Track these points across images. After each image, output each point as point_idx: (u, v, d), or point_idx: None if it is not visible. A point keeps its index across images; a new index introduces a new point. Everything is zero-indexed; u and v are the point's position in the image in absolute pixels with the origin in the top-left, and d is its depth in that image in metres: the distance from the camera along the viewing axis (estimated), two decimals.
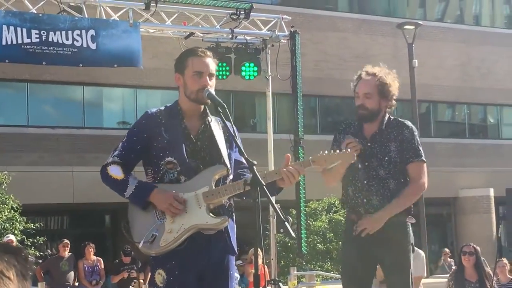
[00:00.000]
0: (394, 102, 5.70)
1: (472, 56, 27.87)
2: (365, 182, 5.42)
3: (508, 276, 11.63)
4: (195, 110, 4.48)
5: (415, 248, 9.87)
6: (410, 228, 5.63)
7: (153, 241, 4.25)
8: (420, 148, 5.64)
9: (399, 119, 5.74)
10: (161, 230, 4.26)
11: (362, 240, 5.39)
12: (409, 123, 5.67)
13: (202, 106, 4.48)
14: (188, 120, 4.46)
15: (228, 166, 4.42)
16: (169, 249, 4.24)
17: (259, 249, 4.20)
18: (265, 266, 9.70)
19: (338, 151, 4.76)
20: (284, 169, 4.37)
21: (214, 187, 4.35)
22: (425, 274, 10.03)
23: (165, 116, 4.42)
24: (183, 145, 4.35)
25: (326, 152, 4.68)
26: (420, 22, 20.66)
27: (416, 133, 5.62)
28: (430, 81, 24.19)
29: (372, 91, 5.53)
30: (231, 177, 4.48)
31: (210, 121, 4.49)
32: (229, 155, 4.48)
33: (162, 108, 4.53)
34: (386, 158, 5.45)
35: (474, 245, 10.05)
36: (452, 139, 28.71)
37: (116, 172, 4.27)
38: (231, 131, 4.38)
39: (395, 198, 5.39)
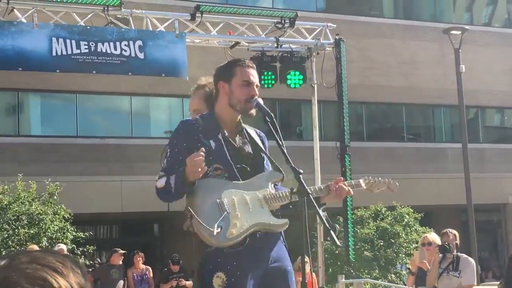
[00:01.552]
0: None
1: None
2: None
3: None
4: (234, 119, 4.50)
5: (465, 256, 9.82)
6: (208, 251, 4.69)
7: (220, 232, 4.17)
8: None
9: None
10: (227, 223, 4.23)
11: None
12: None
13: (239, 116, 4.53)
14: (226, 128, 4.50)
15: (282, 173, 4.46)
16: (234, 243, 4.23)
17: (306, 257, 4.22)
18: (313, 274, 9.70)
19: (386, 180, 4.79)
20: (336, 185, 4.43)
21: (272, 191, 4.39)
22: (475, 283, 9.89)
23: (201, 124, 4.44)
24: (226, 150, 4.39)
25: (376, 179, 4.77)
26: (466, 27, 20.46)
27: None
28: (477, 86, 23.94)
29: None
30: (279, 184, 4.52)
31: (245, 129, 4.55)
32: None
33: (198, 117, 4.54)
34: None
35: None
36: (501, 144, 28.38)
37: (160, 183, 4.27)
38: (264, 140, 4.55)
39: None
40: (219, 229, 4.13)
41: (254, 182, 4.39)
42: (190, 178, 4.16)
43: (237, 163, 4.39)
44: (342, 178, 4.66)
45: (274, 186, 4.43)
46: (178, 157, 4.32)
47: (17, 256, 1.25)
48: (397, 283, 17.55)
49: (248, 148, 4.50)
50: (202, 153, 4.08)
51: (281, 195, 4.38)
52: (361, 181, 4.66)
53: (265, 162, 4.46)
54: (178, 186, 4.20)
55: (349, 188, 4.54)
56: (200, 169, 4.09)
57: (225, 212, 4.23)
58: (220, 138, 4.39)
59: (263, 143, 4.55)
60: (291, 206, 4.37)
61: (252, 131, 4.54)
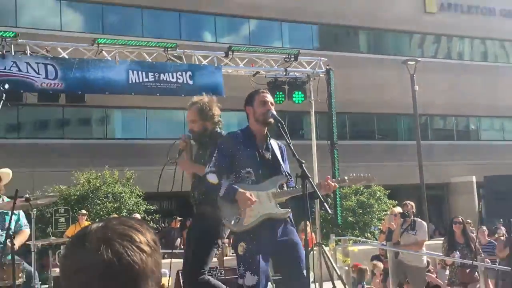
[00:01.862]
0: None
1: (455, 82, 27.59)
2: None
3: (487, 238, 11.41)
4: (262, 132, 4.54)
5: (420, 220, 9.85)
6: (218, 222, 4.65)
7: (238, 222, 4.30)
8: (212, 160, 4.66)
9: (219, 131, 5.10)
10: (244, 213, 4.29)
11: None
12: (225, 133, 4.96)
13: (266, 129, 4.54)
14: (257, 140, 4.53)
15: (288, 177, 4.51)
16: (249, 228, 4.31)
17: (308, 222, 4.25)
18: (312, 233, 9.70)
19: (366, 175, 4.82)
20: (326, 182, 4.46)
21: (278, 190, 4.42)
22: (427, 238, 9.87)
23: (242, 137, 4.51)
24: (257, 156, 4.44)
25: (357, 175, 4.78)
26: (419, 59, 20.44)
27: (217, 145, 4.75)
28: (426, 100, 23.88)
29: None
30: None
31: (269, 140, 4.56)
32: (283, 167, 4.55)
33: (239, 131, 4.58)
34: (202, 160, 5.07)
35: (462, 217, 9.92)
36: (444, 141, 28.45)
37: (213, 178, 4.32)
38: (283, 150, 4.56)
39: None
40: (237, 220, 4.25)
41: (267, 184, 4.43)
42: (236, 198, 4.24)
43: (261, 168, 4.44)
44: (329, 176, 4.65)
45: (286, 184, 4.47)
46: (224, 159, 4.41)
47: (110, 220, 1.27)
48: (371, 240, 17.53)
49: (269, 156, 4.53)
50: (254, 201, 4.22)
51: (285, 191, 4.45)
52: (345, 177, 4.73)
53: (282, 167, 4.50)
54: (226, 197, 4.30)
55: (335, 183, 4.58)
56: (246, 207, 4.23)
57: (244, 208, 4.30)
58: (254, 147, 4.46)
59: (282, 152, 4.60)
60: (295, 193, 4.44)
61: (274, 143, 4.58)
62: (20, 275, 5.20)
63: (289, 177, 4.54)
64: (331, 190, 4.58)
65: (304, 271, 4.33)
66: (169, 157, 5.02)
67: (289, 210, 4.44)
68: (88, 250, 1.18)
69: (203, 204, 4.84)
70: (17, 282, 5.01)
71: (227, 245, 10.19)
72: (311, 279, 4.41)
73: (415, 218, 9.67)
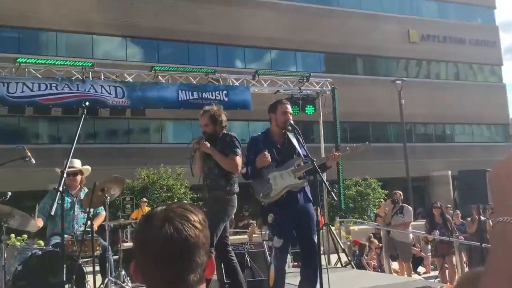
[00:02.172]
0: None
1: (434, 96, 27.23)
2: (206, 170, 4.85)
3: (460, 220, 11.20)
4: (280, 133, 4.56)
5: (406, 205, 9.74)
6: (227, 204, 4.70)
7: (267, 195, 4.34)
8: (235, 148, 4.66)
9: (227, 132, 4.88)
10: (270, 188, 4.34)
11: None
12: (231, 133, 4.85)
13: (283, 130, 4.55)
14: (274, 137, 4.54)
15: (302, 158, 4.48)
16: (275, 199, 4.33)
17: (318, 207, 4.26)
18: (322, 216, 9.65)
19: (365, 144, 4.79)
20: (332, 154, 4.52)
21: (296, 167, 4.43)
22: (412, 220, 9.73)
23: (262, 138, 4.55)
24: (274, 150, 4.45)
25: (357, 145, 4.80)
26: (404, 78, 20.24)
27: (235, 139, 4.73)
28: (411, 111, 23.63)
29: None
30: (303, 162, 4.51)
31: (287, 136, 4.56)
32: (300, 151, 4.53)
33: (260, 133, 4.66)
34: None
35: (440, 203, 9.76)
36: (424, 143, 28.15)
37: (244, 170, 4.47)
38: (300, 140, 4.50)
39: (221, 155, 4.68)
40: (266, 193, 4.26)
41: (287, 165, 4.46)
42: (258, 166, 4.33)
43: (279, 157, 4.46)
44: (334, 149, 4.66)
45: (301, 163, 4.47)
46: (251, 156, 4.47)
47: (171, 204, 1.29)
48: (368, 221, 17.36)
49: (286, 147, 4.54)
50: (268, 155, 4.31)
51: (301, 167, 4.45)
52: (347, 148, 4.72)
53: (296, 152, 4.50)
54: (252, 172, 4.38)
55: (339, 153, 4.59)
56: (266, 162, 4.30)
57: (269, 184, 4.36)
58: (271, 143, 4.48)
59: (298, 139, 4.55)
60: (308, 177, 4.42)
61: (292, 136, 4.58)
62: (97, 248, 5.26)
63: (303, 157, 4.50)
64: (337, 159, 4.64)
65: (314, 237, 4.33)
66: (187, 155, 4.94)
67: (305, 180, 4.44)
68: (154, 227, 1.20)
69: (214, 190, 4.74)
70: (95, 254, 5.08)
71: (255, 224, 10.17)
72: (321, 251, 4.36)
73: (403, 204, 9.54)
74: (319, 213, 4.83)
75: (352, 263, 8.88)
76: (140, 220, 1.27)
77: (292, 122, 4.48)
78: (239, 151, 4.69)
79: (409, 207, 9.80)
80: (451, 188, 25.88)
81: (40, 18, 21.15)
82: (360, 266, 9.99)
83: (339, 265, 8.89)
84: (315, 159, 4.26)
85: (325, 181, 4.38)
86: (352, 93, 24.02)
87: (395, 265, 9.70)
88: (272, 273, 4.24)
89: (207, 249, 1.24)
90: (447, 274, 8.95)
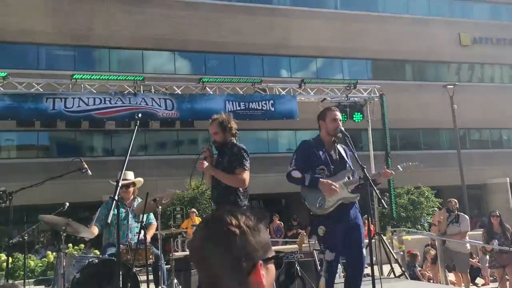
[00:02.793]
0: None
1: (488, 101, 26.23)
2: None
3: None
4: (330, 140, 4.50)
5: (462, 214, 9.36)
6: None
7: (320, 206, 4.27)
8: (244, 160, 4.55)
9: (235, 142, 4.74)
10: (324, 201, 4.28)
11: None
12: (240, 144, 4.69)
13: (333, 138, 4.49)
14: (326, 146, 4.49)
15: (353, 171, 4.45)
16: (328, 212, 4.26)
17: (369, 216, 4.18)
18: (372, 225, 9.44)
19: (415, 163, 4.69)
20: (383, 171, 4.38)
21: (347, 180, 4.38)
22: (469, 229, 9.35)
23: (314, 144, 4.49)
24: (328, 158, 4.40)
25: (408, 164, 4.72)
26: (456, 83, 19.63)
27: (243, 151, 4.60)
28: (464, 116, 22.83)
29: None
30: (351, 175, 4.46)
31: (337, 145, 4.51)
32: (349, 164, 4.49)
33: (312, 139, 4.57)
34: (221, 166, 4.65)
35: (498, 211, 9.33)
36: (480, 149, 27.08)
37: (296, 174, 4.33)
38: (347, 151, 4.46)
39: (225, 173, 4.55)
40: (320, 205, 4.19)
41: (339, 176, 4.39)
42: (319, 186, 4.25)
43: (331, 165, 4.38)
44: (384, 166, 4.56)
45: (352, 175, 4.40)
46: (303, 159, 4.41)
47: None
48: (421, 231, 16.82)
49: (337, 157, 4.47)
50: (336, 188, 4.21)
51: (353, 181, 4.37)
52: (399, 166, 4.60)
53: (347, 165, 4.43)
54: (311, 184, 4.28)
55: (391, 171, 4.50)
56: (330, 192, 4.20)
57: (322, 195, 4.29)
58: (324, 151, 4.42)
59: (346, 153, 4.53)
60: (360, 186, 4.34)
61: (340, 147, 4.53)
62: (150, 256, 5.38)
63: (353, 170, 4.46)
64: (388, 176, 4.51)
65: (364, 250, 4.27)
66: (196, 163, 4.75)
67: (358, 194, 4.36)
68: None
69: (221, 203, 4.54)
70: (148, 262, 5.20)
71: (304, 234, 10.08)
72: (373, 262, 4.27)
73: (459, 213, 9.19)
74: (369, 223, 4.73)
75: (406, 273, 8.62)
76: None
77: (342, 129, 4.43)
78: (247, 164, 4.53)
79: (465, 216, 9.42)
80: (510, 196, 24.68)
81: (93, 36, 22.10)
82: (414, 277, 9.67)
83: (392, 275, 8.65)
84: (365, 167, 4.19)
85: (375, 189, 4.29)
86: (401, 99, 23.52)
87: (451, 276, 9.33)
88: (323, 286, 4.19)
89: (250, 255, 1.21)
90: (507, 285, 8.51)
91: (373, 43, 25.65)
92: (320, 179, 4.27)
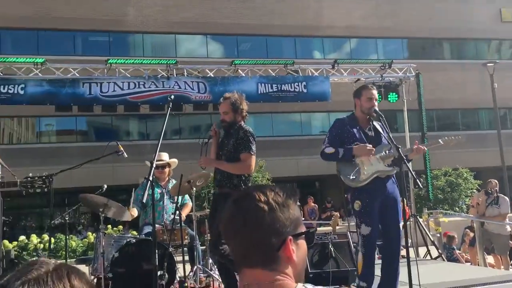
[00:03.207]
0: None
1: None
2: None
3: None
4: (364, 118, 4.45)
5: (502, 195, 9.09)
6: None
7: (354, 179, 4.26)
8: (250, 144, 4.42)
9: (242, 125, 4.58)
10: (359, 173, 4.27)
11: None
12: (246, 127, 4.53)
13: (368, 116, 4.44)
14: (360, 123, 4.44)
15: (389, 146, 4.37)
16: (363, 184, 4.25)
17: (404, 198, 4.12)
18: (407, 207, 9.32)
19: (458, 137, 4.59)
20: (415, 147, 4.29)
21: (384, 154, 4.34)
22: (509, 211, 9.09)
23: (348, 121, 4.45)
24: (362, 135, 4.35)
25: (450, 138, 4.65)
26: (497, 61, 18.93)
27: (249, 134, 4.44)
28: (505, 95, 22.04)
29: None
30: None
31: (373, 122, 4.45)
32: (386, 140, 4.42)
33: (346, 117, 4.55)
34: (226, 148, 4.55)
35: None
36: None
37: (329, 150, 4.34)
38: (385, 128, 4.38)
39: (227, 163, 4.46)
40: (354, 177, 4.16)
41: (377, 150, 4.34)
42: (355, 153, 4.24)
43: (366, 141, 4.32)
44: (417, 141, 4.46)
45: (387, 151, 4.34)
46: (335, 136, 4.38)
47: (253, 187, 1.34)
48: (459, 213, 16.50)
49: (372, 134, 4.41)
50: (374, 150, 4.21)
51: (388, 154, 4.34)
52: (440, 140, 4.51)
53: (382, 139, 4.38)
54: (346, 156, 4.27)
55: (424, 147, 4.42)
56: (367, 154, 4.20)
57: (357, 167, 4.24)
58: (358, 128, 4.38)
59: (383, 128, 4.46)
60: (394, 163, 4.28)
61: (376, 124, 4.48)
62: (186, 237, 5.49)
63: (390, 145, 4.39)
64: (420, 152, 4.41)
65: (400, 224, 4.22)
66: (201, 141, 4.59)
67: (395, 168, 4.30)
68: (226, 206, 1.30)
69: (224, 187, 4.44)
70: (184, 242, 5.31)
71: (338, 215, 10.04)
72: (409, 245, 4.22)
73: (499, 194, 8.94)
74: (405, 204, 4.67)
75: (442, 255, 8.49)
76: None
77: (377, 109, 4.37)
78: (253, 148, 4.41)
79: (505, 197, 9.16)
80: None
81: (127, 22, 22.39)
82: (451, 259, 9.52)
83: (428, 257, 8.54)
84: (400, 146, 4.12)
85: (411, 170, 4.22)
86: (438, 78, 22.90)
87: (489, 258, 9.13)
88: (360, 261, 4.18)
89: (279, 231, 1.22)
90: None
91: (409, 21, 24.96)
92: (354, 146, 4.26)
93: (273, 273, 1.21)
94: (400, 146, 4.11)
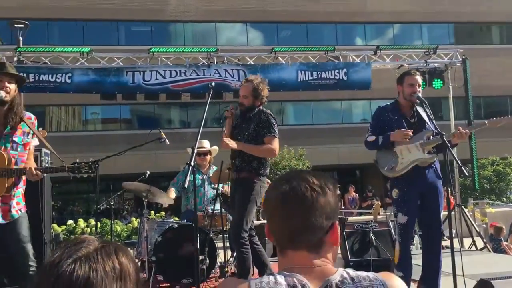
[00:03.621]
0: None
1: None
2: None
3: None
4: (408, 104, 4.35)
5: None
6: (258, 185, 4.29)
7: (392, 169, 4.19)
8: (273, 128, 4.33)
9: (262, 108, 4.46)
10: (396, 162, 4.19)
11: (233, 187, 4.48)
12: (266, 110, 4.43)
13: (411, 103, 4.34)
14: (403, 110, 4.34)
15: (433, 131, 4.26)
16: (401, 174, 4.17)
17: (448, 187, 4.03)
18: (452, 196, 9.08)
19: (502, 117, 4.37)
20: (458, 132, 4.17)
21: (425, 141, 4.22)
22: None
23: (390, 108, 4.36)
24: (403, 122, 4.26)
25: (497, 118, 4.33)
26: None
27: (271, 117, 4.35)
28: None
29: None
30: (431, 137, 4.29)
31: (416, 109, 4.35)
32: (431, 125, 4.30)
33: (388, 104, 4.46)
34: (246, 133, 4.41)
35: None
36: None
37: (371, 138, 4.30)
38: (429, 114, 4.26)
39: (253, 145, 4.32)
40: (391, 167, 4.10)
41: (415, 138, 4.24)
42: (392, 139, 4.18)
43: (408, 128, 4.24)
44: (460, 127, 4.25)
45: (431, 137, 4.23)
46: (377, 124, 4.33)
47: (302, 171, 1.36)
48: (507, 203, 15.92)
49: (415, 120, 4.32)
50: (410, 134, 4.11)
51: (430, 141, 4.21)
52: (485, 121, 4.32)
53: (426, 126, 4.27)
54: (384, 143, 4.22)
55: (466, 131, 4.20)
56: (404, 138, 4.10)
57: (395, 157, 4.18)
58: (400, 115, 4.29)
59: (428, 113, 4.35)
60: (437, 154, 4.17)
61: (420, 109, 4.36)
62: (226, 223, 5.56)
63: (435, 131, 4.26)
64: (463, 138, 4.23)
65: (441, 215, 4.13)
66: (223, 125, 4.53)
67: (436, 155, 4.19)
68: (276, 187, 1.29)
69: (243, 171, 4.34)
70: (224, 228, 5.39)
71: (380, 204, 9.90)
72: (453, 235, 4.11)
73: None
74: (449, 194, 4.56)
75: (488, 246, 8.24)
76: (272, 181, 1.34)
77: (419, 95, 4.26)
78: (276, 131, 4.33)
79: None
80: None
81: (168, 11, 22.69)
82: (498, 250, 9.22)
83: (473, 248, 8.31)
84: (444, 133, 4.00)
85: (455, 157, 4.10)
86: (486, 64, 22.04)
87: None
88: (397, 250, 4.13)
89: (330, 215, 1.24)
90: None
91: (455, 5, 24.09)
92: (392, 132, 4.18)
93: (317, 256, 1.23)
94: (444, 133, 3.99)
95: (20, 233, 3.41)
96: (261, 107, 4.47)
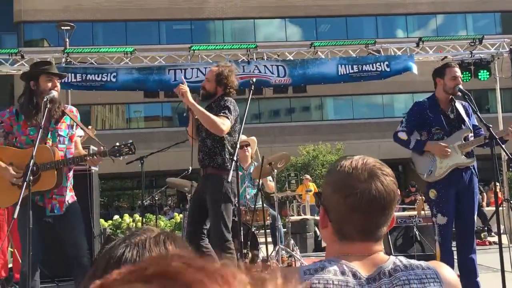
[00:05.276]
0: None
1: None
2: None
3: None
4: (447, 98, 4.23)
5: None
6: (225, 183, 3.82)
7: (431, 174, 4.11)
8: (227, 110, 3.98)
9: (225, 97, 4.14)
10: (434, 167, 4.11)
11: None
12: (229, 98, 4.11)
13: (450, 96, 4.22)
14: (442, 105, 4.23)
15: (471, 128, 4.13)
16: (439, 178, 4.09)
17: (495, 182, 3.91)
18: (501, 191, 8.79)
19: None
20: (510, 128, 4.00)
21: (463, 142, 4.09)
22: None
23: (428, 103, 4.25)
24: (442, 119, 4.16)
25: None
26: None
27: (229, 102, 4.04)
28: None
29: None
30: (471, 134, 4.17)
31: (455, 103, 4.23)
32: (469, 122, 4.17)
33: (426, 99, 4.32)
34: None
35: None
36: None
37: (403, 135, 4.18)
38: (467, 108, 4.15)
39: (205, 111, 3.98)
40: (429, 172, 4.03)
41: (452, 139, 4.13)
42: (427, 150, 4.08)
43: (447, 126, 4.13)
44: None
45: (469, 136, 4.12)
46: (412, 120, 4.22)
47: (366, 159, 1.34)
48: None
49: (453, 116, 4.20)
50: (448, 150, 3.98)
51: (469, 142, 4.09)
52: None
53: (465, 123, 4.14)
54: (416, 149, 4.15)
55: None
56: (443, 156, 3.99)
57: (434, 161, 4.11)
58: (439, 111, 4.19)
59: (466, 110, 4.21)
60: (484, 147, 4.06)
61: (459, 105, 4.23)
62: (267, 218, 5.61)
63: (473, 129, 4.13)
64: None
65: (475, 216, 4.08)
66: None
67: (474, 158, 4.08)
68: (361, 180, 1.24)
69: (209, 166, 4.07)
70: (266, 222, 5.44)
71: (423, 199, 9.70)
72: (501, 231, 4.00)
73: None
74: (497, 188, 4.42)
75: None
76: (341, 172, 1.27)
77: (462, 87, 4.13)
78: (229, 114, 3.98)
79: None
80: None
81: (207, 9, 22.94)
82: None
83: None
84: (490, 126, 3.87)
85: (504, 149, 3.97)
86: None
87: None
88: (438, 250, 4.07)
89: (393, 208, 1.28)
90: None
91: None
92: (429, 142, 4.06)
93: (375, 244, 1.25)
94: (491, 126, 3.87)
95: (76, 224, 3.61)
96: (225, 97, 4.15)
